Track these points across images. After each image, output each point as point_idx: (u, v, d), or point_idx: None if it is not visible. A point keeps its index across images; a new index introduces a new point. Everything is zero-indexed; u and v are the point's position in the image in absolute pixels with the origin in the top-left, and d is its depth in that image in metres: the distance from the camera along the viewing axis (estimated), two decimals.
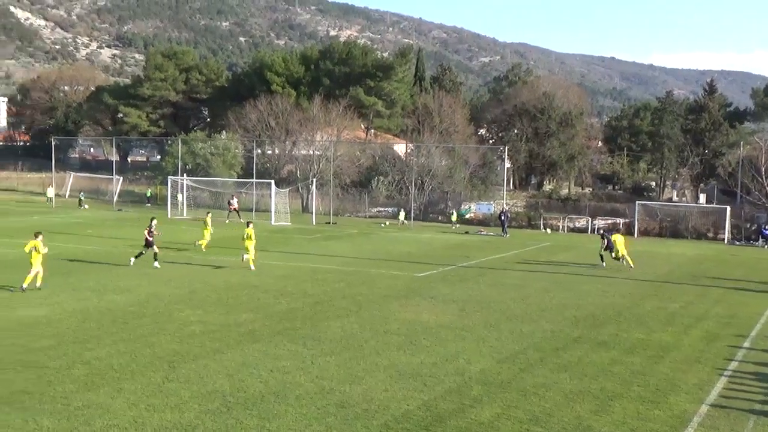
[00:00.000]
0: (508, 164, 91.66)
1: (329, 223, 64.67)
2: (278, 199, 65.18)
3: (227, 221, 60.48)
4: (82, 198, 78.03)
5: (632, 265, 38.56)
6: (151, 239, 34.27)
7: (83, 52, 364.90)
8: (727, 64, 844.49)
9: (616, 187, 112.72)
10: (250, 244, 34.47)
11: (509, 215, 63.73)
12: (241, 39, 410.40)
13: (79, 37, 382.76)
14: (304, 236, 50.85)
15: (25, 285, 26.88)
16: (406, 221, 66.90)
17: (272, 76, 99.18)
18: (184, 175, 72.43)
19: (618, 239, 39.47)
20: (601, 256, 39.43)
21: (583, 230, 66.93)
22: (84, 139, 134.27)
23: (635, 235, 63.23)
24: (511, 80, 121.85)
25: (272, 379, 16.64)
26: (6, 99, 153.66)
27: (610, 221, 68.60)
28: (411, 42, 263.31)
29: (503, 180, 74.86)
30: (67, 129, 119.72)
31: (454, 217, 66.91)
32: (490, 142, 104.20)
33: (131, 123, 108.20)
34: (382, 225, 64.55)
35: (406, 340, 20.64)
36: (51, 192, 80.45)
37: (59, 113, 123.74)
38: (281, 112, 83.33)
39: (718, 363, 19.32)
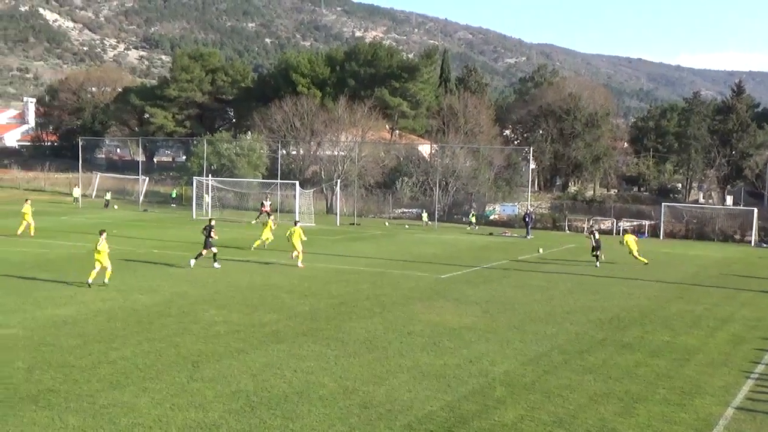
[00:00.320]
0: (532, 165, 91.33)
1: (353, 224, 64.74)
2: (303, 200, 65.35)
3: (254, 222, 60.70)
4: (109, 198, 78.57)
5: (646, 261, 40.00)
6: (211, 239, 34.57)
7: (111, 53, 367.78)
8: (755, 65, 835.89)
9: (642, 188, 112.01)
10: (298, 242, 35.92)
11: (533, 217, 63.51)
12: (267, 40, 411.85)
13: (106, 38, 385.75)
14: (328, 237, 50.96)
15: (106, 280, 28.30)
16: (429, 222, 66.86)
17: (298, 77, 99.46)
18: (209, 175, 72.76)
19: (629, 238, 41.07)
20: (596, 256, 40.11)
21: (608, 232, 66.54)
22: (110, 140, 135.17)
23: (661, 237, 62.82)
24: (536, 81, 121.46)
25: (296, 380, 16.69)
26: (34, 100, 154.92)
27: (635, 223, 68.19)
28: (436, 43, 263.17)
29: (528, 181, 74.52)
30: (94, 129, 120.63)
31: (472, 218, 66.65)
32: (515, 143, 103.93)
33: (157, 124, 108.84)
34: (406, 226, 64.52)
35: (430, 342, 20.62)
36: (77, 192, 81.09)
37: (86, 114, 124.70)
38: (306, 113, 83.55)
39: (745, 366, 19.16)
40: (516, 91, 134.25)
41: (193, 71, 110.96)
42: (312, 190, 69.63)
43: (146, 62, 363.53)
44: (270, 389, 15.95)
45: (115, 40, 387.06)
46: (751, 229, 61.78)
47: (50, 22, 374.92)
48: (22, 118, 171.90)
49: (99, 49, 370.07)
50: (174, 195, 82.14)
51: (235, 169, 79.09)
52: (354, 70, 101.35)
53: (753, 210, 63.56)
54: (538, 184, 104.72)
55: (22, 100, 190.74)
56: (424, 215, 68.30)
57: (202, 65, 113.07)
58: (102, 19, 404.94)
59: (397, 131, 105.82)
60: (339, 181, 71.50)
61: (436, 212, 67.71)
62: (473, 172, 78.55)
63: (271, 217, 45.31)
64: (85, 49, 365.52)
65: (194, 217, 65.65)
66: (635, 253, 40.47)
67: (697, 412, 15.46)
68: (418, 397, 15.73)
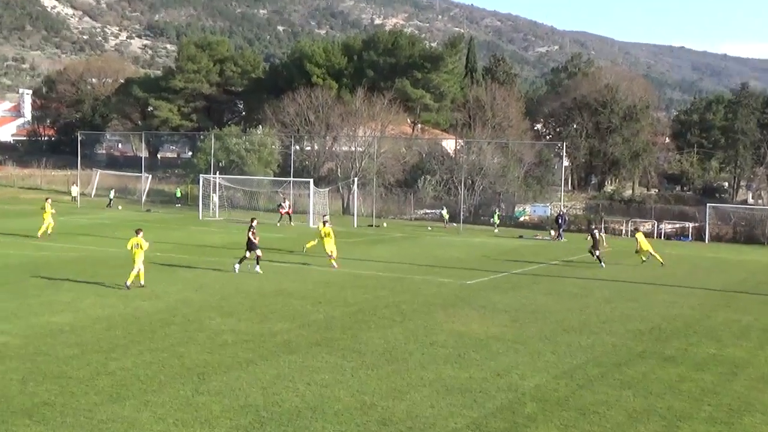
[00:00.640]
0: (566, 162, 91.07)
1: (372, 225, 64.75)
2: (317, 199, 65.47)
3: (278, 224, 60.91)
4: (112, 197, 78.93)
5: (662, 261, 41.55)
6: (255, 241, 34.80)
7: (112, 42, 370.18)
8: None
9: (685, 187, 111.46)
10: (330, 242, 37.48)
11: (567, 218, 63.30)
12: (280, 28, 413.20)
13: (108, 26, 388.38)
14: (344, 240, 50.94)
15: (142, 282, 29.33)
16: (454, 224, 66.71)
17: (312, 68, 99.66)
18: (217, 173, 72.97)
19: (640, 237, 43.08)
20: (598, 258, 41.19)
21: (648, 235, 66.16)
22: (112, 134, 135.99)
23: (706, 241, 62.44)
24: (570, 71, 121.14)
25: (309, 393, 16.65)
26: (31, 91, 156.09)
27: (677, 225, 67.84)
28: (462, 31, 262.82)
29: (561, 180, 74.35)
30: (94, 123, 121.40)
31: (495, 218, 66.45)
32: (547, 138, 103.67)
33: (162, 117, 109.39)
34: (429, 228, 64.48)
35: (454, 353, 20.54)
36: (76, 190, 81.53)
37: (86, 107, 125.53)
38: (321, 106, 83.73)
39: None
40: (548, 82, 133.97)
41: (200, 61, 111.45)
42: (327, 188, 69.75)
43: (150, 51, 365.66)
44: (281, 404, 15.91)
45: (117, 28, 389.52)
46: None
47: (48, 9, 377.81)
48: (17, 111, 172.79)
49: (100, 38, 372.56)
50: (179, 194, 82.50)
51: (244, 165, 79.31)
52: (373, 59, 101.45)
53: None
54: (571, 183, 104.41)
55: (18, 92, 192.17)
56: (445, 213, 68.12)
57: (209, 55, 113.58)
58: (103, 5, 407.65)
59: (420, 125, 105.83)
60: (356, 179, 71.53)
61: (461, 213, 67.59)
62: (501, 169, 78.40)
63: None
64: (85, 37, 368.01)
65: (201, 217, 65.90)
66: (651, 251, 42.17)
67: (747, 431, 15.29)
68: (441, 413, 15.65)
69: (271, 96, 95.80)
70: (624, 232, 65.85)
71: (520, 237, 60.35)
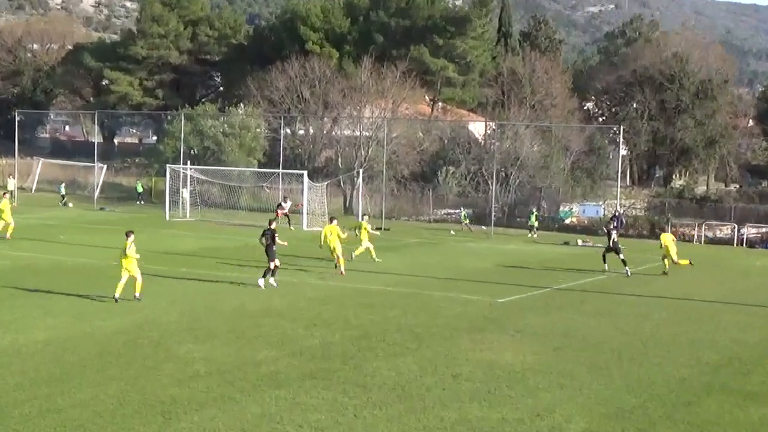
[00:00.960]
0: (623, 151, 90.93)
1: (380, 228, 64.74)
2: (312, 195, 65.49)
3: (292, 228, 61.08)
4: (65, 192, 79.00)
5: (687, 262, 43.51)
6: (274, 248, 35.22)
7: None
8: None
9: None
10: (336, 243, 39.56)
11: (624, 220, 63.23)
12: None
13: None
14: (346, 246, 51.00)
15: (137, 294, 30.29)
16: (482, 227, 66.61)
17: (307, 31, 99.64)
18: (188, 162, 73.09)
19: (666, 238, 44.03)
20: (604, 257, 43.33)
21: (726, 241, 66.11)
22: (57, 114, 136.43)
23: None
24: (629, 37, 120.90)
25: None
26: None
27: (763, 230, 67.70)
28: None
29: (617, 172, 74.22)
30: (36, 100, 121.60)
31: (532, 220, 66.32)
32: (600, 120, 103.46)
33: (119, 92, 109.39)
34: (451, 232, 64.50)
35: (483, 388, 20.58)
36: (12, 184, 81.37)
37: (25, 79, 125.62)
38: (318, 79, 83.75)
39: None
40: (601, 50, 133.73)
41: (167, 23, 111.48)
42: (325, 182, 69.77)
43: (105, 11, 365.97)
44: None
45: None
46: None
47: None
48: None
49: None
50: (140, 189, 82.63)
51: (222, 154, 79.41)
52: (382, 21, 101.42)
53: None
54: (630, 177, 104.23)
55: None
56: (463, 214, 67.88)
57: (179, 15, 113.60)
58: None
59: (441, 104, 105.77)
60: (361, 171, 71.54)
61: (492, 214, 67.59)
62: (543, 159, 78.35)
63: (365, 217, 48.12)
64: None
65: (167, 218, 66.02)
66: (674, 257, 43.14)
67: None
68: None
69: (256, 67, 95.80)
70: (696, 237, 65.75)
71: (565, 243, 60.29)
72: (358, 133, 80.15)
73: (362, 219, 44.38)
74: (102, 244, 48.15)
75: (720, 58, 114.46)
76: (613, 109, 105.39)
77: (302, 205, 63.56)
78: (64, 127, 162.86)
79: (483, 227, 66.88)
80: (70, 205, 75.92)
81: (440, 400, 19.53)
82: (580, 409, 19.25)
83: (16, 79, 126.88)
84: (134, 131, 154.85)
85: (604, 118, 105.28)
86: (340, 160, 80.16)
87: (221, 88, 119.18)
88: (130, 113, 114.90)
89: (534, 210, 69.22)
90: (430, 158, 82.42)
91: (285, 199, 65.03)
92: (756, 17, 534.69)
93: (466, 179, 78.61)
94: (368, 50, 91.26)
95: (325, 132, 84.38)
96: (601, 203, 76.23)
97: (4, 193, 50.93)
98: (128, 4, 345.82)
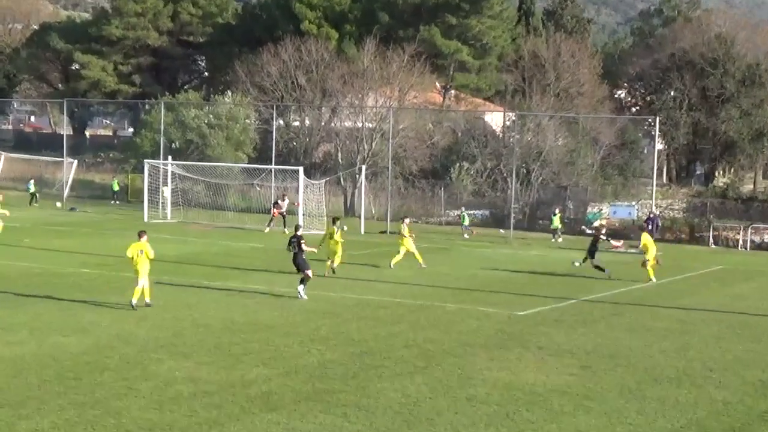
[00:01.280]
0: (660, 145, 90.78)
1: (386, 232, 64.74)
2: (309, 194, 65.45)
3: (267, 230, 61.21)
4: (34, 190, 78.83)
5: (652, 278, 43.41)
6: (303, 255, 35.63)
7: None
8: None
9: None
10: (338, 248, 41.41)
11: (660, 223, 63.18)
12: None
13: None
14: (347, 252, 51.02)
15: (148, 299, 31.65)
16: (505, 233, 66.47)
17: (303, 10, 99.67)
18: (169, 157, 73.12)
19: (646, 239, 44.47)
20: (587, 258, 44.97)
21: None
22: (21, 103, 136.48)
23: None
24: (666, 16, 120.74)
25: None
26: None
27: None
28: None
29: (652, 169, 74.09)
30: None
31: (555, 223, 66.12)
32: (633, 110, 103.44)
33: (91, 78, 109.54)
34: (466, 236, 64.47)
35: (500, 412, 20.60)
36: None
37: None
38: (315, 64, 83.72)
39: None
40: (635, 31, 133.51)
41: (145, 0, 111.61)
42: (323, 180, 69.75)
43: None
44: None
45: None
46: None
47: None
48: None
49: None
50: (116, 187, 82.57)
51: (207, 147, 79.41)
52: None
53: None
54: (667, 174, 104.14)
55: None
56: (463, 215, 67.63)
57: None
58: None
59: (454, 92, 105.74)
60: (364, 167, 71.55)
61: (512, 215, 67.50)
62: (569, 154, 78.29)
63: (407, 220, 48.21)
64: None
65: (146, 219, 65.99)
66: (649, 258, 43.84)
67: None
68: None
69: (245, 50, 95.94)
70: (741, 242, 65.64)
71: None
72: (360, 125, 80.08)
73: (403, 222, 45.54)
74: (72, 249, 48.22)
75: None
76: (648, 98, 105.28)
77: (299, 204, 63.55)
78: (29, 118, 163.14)
79: (501, 231, 66.77)
80: (35, 204, 75.89)
81: (452, 425, 19.55)
82: None
83: None
84: (108, 122, 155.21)
85: (637, 107, 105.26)
86: (340, 154, 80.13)
87: (206, 74, 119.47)
88: (103, 102, 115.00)
89: (557, 211, 68.95)
90: (441, 153, 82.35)
91: (283, 197, 65.03)
92: None
93: (482, 176, 78.55)
94: (372, 31, 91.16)
95: (323, 123, 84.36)
96: (634, 204, 76.07)
97: None
98: None
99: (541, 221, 73.10)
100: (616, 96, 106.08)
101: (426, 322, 31.16)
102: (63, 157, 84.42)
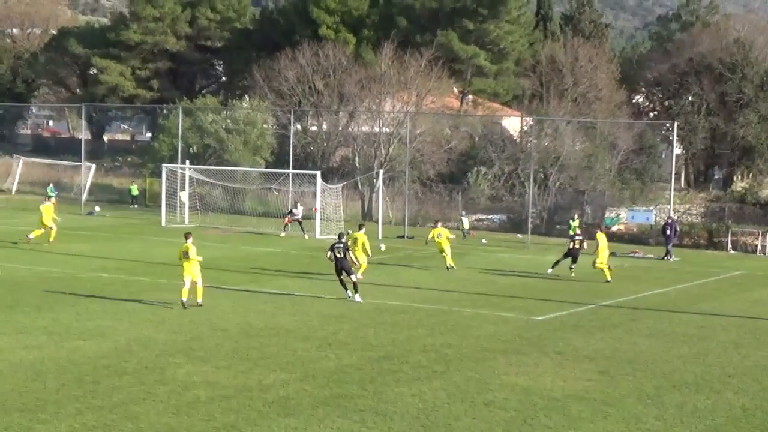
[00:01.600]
0: (678, 150, 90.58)
1: (403, 237, 64.72)
2: (326, 199, 65.45)
3: (283, 234, 61.39)
4: (53, 194, 78.85)
5: (609, 278, 44.30)
6: (347, 261, 36.17)
7: None
8: None
9: None
10: (361, 256, 40.22)
11: (678, 228, 63.02)
12: None
13: None
14: (364, 256, 51.11)
15: (199, 300, 32.79)
16: (519, 235, 66.36)
17: (320, 14, 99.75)
18: (187, 162, 73.18)
19: (601, 240, 45.14)
20: (558, 262, 46.11)
21: None
22: (40, 107, 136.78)
23: None
24: (684, 21, 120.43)
25: None
26: None
27: None
28: None
29: (670, 174, 73.87)
30: (15, 92, 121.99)
31: (574, 227, 65.83)
32: (651, 115, 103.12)
33: (109, 83, 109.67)
34: (483, 241, 64.39)
35: (518, 417, 20.56)
36: None
37: (4, 68, 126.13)
38: (333, 69, 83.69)
39: None
40: (653, 35, 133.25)
41: (163, 4, 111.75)
42: (341, 184, 69.66)
43: None
44: None
45: None
46: None
47: None
48: None
49: None
50: (135, 192, 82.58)
51: (225, 152, 79.45)
52: (406, 3, 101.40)
53: None
54: (685, 179, 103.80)
55: None
56: (465, 220, 67.51)
57: None
58: None
59: (471, 97, 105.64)
60: (381, 171, 71.48)
61: (530, 220, 67.41)
62: (586, 159, 78.11)
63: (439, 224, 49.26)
64: None
65: (164, 223, 66.09)
66: (601, 259, 44.71)
67: None
68: None
69: (263, 55, 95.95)
70: (759, 248, 65.43)
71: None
72: (377, 129, 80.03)
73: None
74: (91, 254, 48.30)
75: None
76: (666, 103, 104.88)
77: (317, 209, 63.58)
78: (48, 122, 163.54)
79: (518, 235, 66.70)
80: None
81: (470, 430, 19.52)
82: None
83: None
84: (126, 127, 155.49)
85: (655, 112, 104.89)
86: (357, 159, 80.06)
87: (223, 79, 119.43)
88: (121, 107, 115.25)
89: (576, 216, 68.76)
90: (458, 157, 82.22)
91: (296, 204, 65.00)
92: None
93: (499, 181, 78.39)
94: (389, 36, 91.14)
95: (340, 128, 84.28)
96: (652, 208, 75.79)
97: (49, 197, 52.42)
98: None
99: (558, 226, 72.96)
100: (633, 101, 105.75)
101: (444, 327, 31.15)
102: (81, 162, 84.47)
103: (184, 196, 70.02)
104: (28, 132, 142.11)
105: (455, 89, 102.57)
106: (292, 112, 79.74)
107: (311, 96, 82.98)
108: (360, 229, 41.97)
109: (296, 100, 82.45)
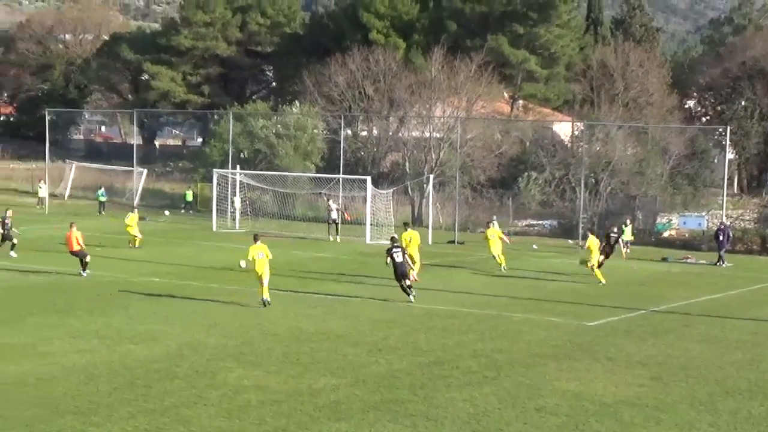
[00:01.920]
0: (731, 155, 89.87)
1: (453, 242, 64.64)
2: (377, 204, 65.46)
3: (331, 238, 62.04)
4: (104, 199, 79.29)
5: (602, 280, 44.53)
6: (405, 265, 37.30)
7: None
8: None
9: None
10: (416, 254, 41.65)
11: (731, 234, 62.57)
12: None
13: None
14: (418, 254, 51.10)
15: (266, 297, 34.29)
16: (570, 241, 66.13)
17: (371, 19, 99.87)
18: (237, 167, 73.44)
19: (592, 243, 45.38)
20: (600, 263, 46.06)
21: None
22: (92, 113, 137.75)
23: None
24: (737, 24, 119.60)
25: None
26: None
27: None
28: None
29: (723, 179, 73.37)
30: (68, 97, 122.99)
31: (627, 235, 65.30)
32: (704, 120, 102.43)
33: (160, 89, 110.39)
34: (534, 246, 64.20)
35: (569, 423, 20.48)
36: (43, 190, 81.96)
37: (57, 74, 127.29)
38: (383, 74, 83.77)
39: None
40: (705, 39, 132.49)
41: (213, 10, 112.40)
42: (391, 189, 69.68)
43: None
44: None
45: None
46: None
47: None
48: None
49: None
50: (189, 197, 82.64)
51: (275, 157, 79.68)
52: (456, 7, 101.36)
53: None
54: (738, 184, 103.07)
55: None
56: (495, 222, 65.29)
57: (227, 1, 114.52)
58: None
59: (521, 101, 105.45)
60: (432, 176, 71.46)
61: (580, 225, 67.15)
62: (638, 164, 77.70)
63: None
64: None
65: (215, 228, 66.32)
66: (594, 262, 44.97)
67: None
68: None
69: (313, 59, 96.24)
70: None
71: (664, 259, 59.76)
72: (427, 135, 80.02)
73: (491, 226, 47.47)
74: (142, 258, 48.58)
75: None
76: (719, 108, 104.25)
77: (347, 215, 63.92)
78: (100, 128, 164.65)
79: (569, 241, 66.48)
80: (102, 213, 76.28)
81: None
82: None
83: (46, 74, 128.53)
84: (177, 132, 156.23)
85: (708, 117, 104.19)
86: (407, 164, 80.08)
87: (274, 84, 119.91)
88: (172, 112, 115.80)
89: (628, 222, 68.17)
90: (509, 162, 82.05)
91: (330, 205, 65.10)
92: None
93: (550, 186, 78.11)
94: (439, 40, 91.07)
95: (390, 133, 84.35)
96: (704, 214, 75.27)
97: (135, 207, 54.17)
98: None
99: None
100: (685, 106, 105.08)
101: (494, 332, 31.08)
102: (133, 167, 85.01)
103: (237, 201, 70.30)
104: (81, 137, 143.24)
105: (506, 94, 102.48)
106: (342, 117, 79.91)
107: (361, 101, 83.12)
108: (406, 227, 43.42)
109: (346, 105, 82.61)
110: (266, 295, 34.25)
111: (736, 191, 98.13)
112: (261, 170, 75.06)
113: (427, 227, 66.83)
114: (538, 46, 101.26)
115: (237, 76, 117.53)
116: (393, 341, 28.91)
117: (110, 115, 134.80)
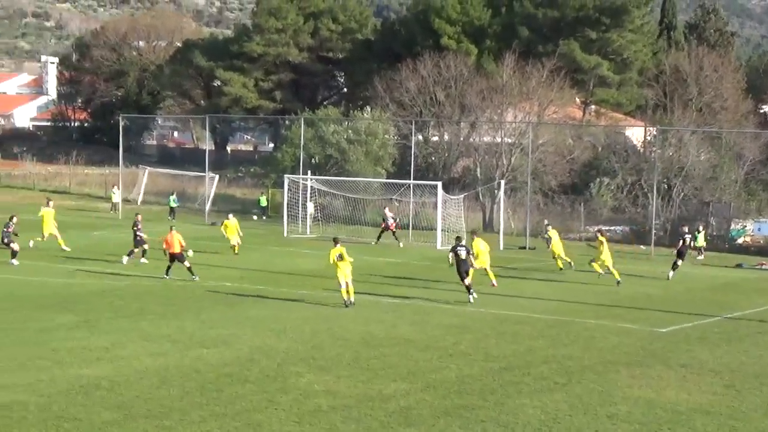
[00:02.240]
0: None
1: (525, 247, 64.46)
2: (448, 210, 65.39)
3: (401, 244, 62.19)
4: (175, 205, 79.78)
5: (619, 278, 45.38)
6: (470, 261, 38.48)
7: None
8: None
9: None
10: (485, 259, 42.08)
11: None
12: None
13: None
14: (486, 267, 51.00)
15: (352, 299, 35.59)
16: (643, 247, 65.67)
17: (442, 25, 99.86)
18: (309, 172, 73.64)
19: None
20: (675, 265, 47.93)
21: None
22: (165, 119, 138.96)
23: None
24: None
25: None
26: (56, 60, 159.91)
27: None
28: None
29: None
30: (142, 103, 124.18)
31: (700, 241, 64.71)
32: None
33: (232, 95, 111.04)
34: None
35: (642, 430, 20.36)
36: (117, 195, 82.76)
37: (130, 80, 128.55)
38: (454, 79, 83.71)
39: None
40: None
41: (286, 16, 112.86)
42: (462, 195, 69.58)
43: (217, 3, 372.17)
44: None
45: None
46: None
47: None
48: (38, 87, 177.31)
49: None
50: (264, 203, 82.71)
51: (346, 163, 79.84)
52: (528, 13, 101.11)
53: None
54: None
55: (40, 61, 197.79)
56: (550, 229, 62.75)
57: (299, 7, 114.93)
58: None
59: (593, 107, 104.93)
60: (503, 182, 71.30)
61: (653, 231, 66.69)
62: (712, 169, 77.05)
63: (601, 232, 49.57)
64: None
65: (286, 234, 66.56)
66: (609, 263, 45.99)
67: None
68: None
69: (384, 65, 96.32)
70: None
71: (739, 266, 59.22)
72: (499, 140, 79.76)
73: (474, 235, 44.71)
74: (213, 263, 48.86)
75: None
76: None
77: (393, 225, 63.89)
78: (173, 133, 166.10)
79: (642, 246, 66.08)
80: (171, 218, 76.52)
81: None
82: None
83: (120, 80, 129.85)
84: (249, 137, 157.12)
85: None
86: (478, 169, 79.89)
87: (345, 90, 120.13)
88: (244, 118, 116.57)
89: (701, 228, 67.67)
90: (581, 168, 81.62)
91: (386, 211, 65.06)
92: None
93: (622, 192, 77.69)
94: (511, 46, 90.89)
95: (461, 138, 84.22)
96: None
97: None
98: None
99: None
100: (761, 111, 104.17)
101: (565, 338, 30.97)
102: (205, 172, 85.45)
103: (310, 206, 70.50)
104: (154, 143, 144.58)
105: (578, 99, 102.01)
106: (413, 122, 79.90)
107: (432, 106, 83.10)
108: (473, 236, 43.74)
109: (417, 110, 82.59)
110: (349, 296, 35.43)
111: None
112: (332, 176, 75.25)
113: (498, 233, 66.76)
114: (610, 52, 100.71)
115: (308, 82, 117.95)
116: (463, 347, 28.88)
117: (183, 120, 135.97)
